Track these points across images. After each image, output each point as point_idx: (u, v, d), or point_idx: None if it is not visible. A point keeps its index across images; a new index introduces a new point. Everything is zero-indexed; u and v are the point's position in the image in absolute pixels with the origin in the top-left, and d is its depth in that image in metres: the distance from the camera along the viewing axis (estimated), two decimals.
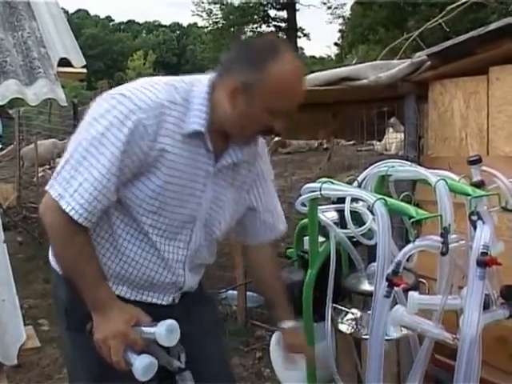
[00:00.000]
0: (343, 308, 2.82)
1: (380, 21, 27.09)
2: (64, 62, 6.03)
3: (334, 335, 2.83)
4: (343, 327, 2.79)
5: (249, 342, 5.20)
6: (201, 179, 2.08)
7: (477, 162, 2.59)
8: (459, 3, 5.43)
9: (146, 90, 1.95)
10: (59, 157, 16.88)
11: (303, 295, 2.87)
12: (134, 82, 2.03)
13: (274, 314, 2.51)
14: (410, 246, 2.23)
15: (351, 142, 11.98)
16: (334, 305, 2.83)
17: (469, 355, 2.20)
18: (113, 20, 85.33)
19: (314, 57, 56.89)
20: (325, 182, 2.60)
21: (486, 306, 2.31)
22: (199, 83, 2.04)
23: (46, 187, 1.94)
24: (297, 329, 2.52)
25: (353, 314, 2.78)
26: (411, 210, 2.31)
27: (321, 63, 42.34)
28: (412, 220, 2.27)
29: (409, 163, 2.82)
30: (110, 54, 68.51)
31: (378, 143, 11.09)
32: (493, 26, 3.37)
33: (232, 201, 2.22)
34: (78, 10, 77.98)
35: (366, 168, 2.91)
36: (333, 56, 44.07)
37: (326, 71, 4.14)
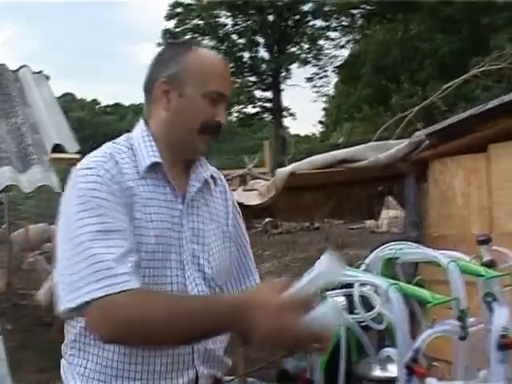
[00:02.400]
0: None
1: (364, 98, 27.57)
2: (58, 148, 6.07)
3: None
4: None
5: None
6: (175, 219, 1.95)
7: (487, 241, 2.57)
8: (455, 81, 5.53)
9: (91, 155, 1.94)
10: (50, 242, 16.84)
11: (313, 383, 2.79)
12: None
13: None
14: (429, 331, 2.17)
15: (342, 221, 12.02)
16: None
17: None
18: (99, 103, 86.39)
19: (298, 135, 57.65)
20: None
21: None
22: (134, 129, 2.04)
23: (69, 305, 1.73)
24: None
25: None
26: (426, 294, 2.27)
27: (306, 141, 42.89)
28: (430, 305, 2.22)
29: (415, 245, 2.80)
30: (97, 136, 68.87)
31: (369, 221, 11.13)
32: (491, 104, 3.41)
33: (216, 236, 2.06)
34: (65, 94, 79.00)
35: (362, 246, 2.88)
36: (317, 134, 44.71)
37: (323, 154, 4.16)
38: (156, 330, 1.72)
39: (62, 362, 1.97)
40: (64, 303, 1.75)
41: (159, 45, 36.31)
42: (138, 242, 1.84)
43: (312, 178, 4.22)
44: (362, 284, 2.52)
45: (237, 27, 35.34)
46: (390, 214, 13.87)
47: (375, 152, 3.91)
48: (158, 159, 1.93)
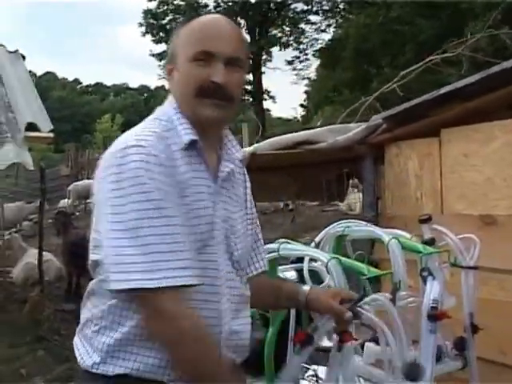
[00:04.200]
0: (304, 364, 2.87)
1: (344, 82, 27.65)
2: (31, 127, 6.17)
3: None
4: (304, 383, 2.84)
5: None
6: (211, 197, 1.91)
7: (427, 220, 2.73)
8: (412, 68, 5.67)
9: (137, 133, 1.86)
10: (26, 220, 16.91)
11: (265, 352, 2.91)
12: (123, 136, 1.88)
13: (286, 296, 2.24)
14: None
15: (316, 203, 12.14)
16: None
17: None
18: (81, 83, 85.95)
19: (280, 118, 57.74)
20: (282, 243, 2.69)
21: (439, 357, 2.42)
22: (164, 106, 1.99)
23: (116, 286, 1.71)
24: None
25: (314, 370, 2.83)
26: (363, 267, 2.41)
27: (286, 125, 42.91)
28: (364, 277, 2.36)
29: (364, 223, 2.94)
30: (77, 116, 68.51)
31: (342, 203, 11.26)
32: (443, 90, 3.55)
33: (241, 219, 2.06)
34: (46, 73, 78.48)
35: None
36: (299, 117, 44.77)
37: (285, 135, 4.28)
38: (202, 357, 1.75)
39: (82, 336, 1.96)
40: (113, 282, 1.72)
41: (140, 25, 36.19)
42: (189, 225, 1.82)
43: (276, 159, 4.34)
44: (313, 259, 2.67)
45: (218, 9, 35.24)
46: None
47: (334, 134, 4.04)
48: (195, 136, 1.89)
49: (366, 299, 2.22)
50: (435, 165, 3.70)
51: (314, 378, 2.81)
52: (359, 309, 2.14)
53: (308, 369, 2.85)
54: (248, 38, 35.65)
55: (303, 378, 2.86)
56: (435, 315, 2.33)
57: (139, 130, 1.87)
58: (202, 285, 1.79)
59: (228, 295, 1.93)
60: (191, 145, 1.88)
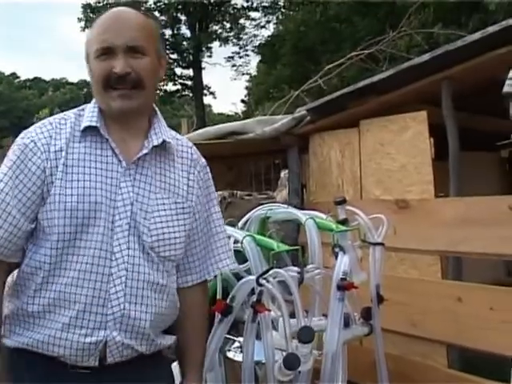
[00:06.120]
0: (231, 337, 3.07)
1: (284, 79, 27.90)
2: None
3: (223, 362, 3.06)
4: (231, 354, 3.04)
5: None
6: (112, 180, 1.96)
7: (341, 202, 3.01)
8: (336, 63, 5.95)
9: (40, 122, 2.04)
10: None
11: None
12: None
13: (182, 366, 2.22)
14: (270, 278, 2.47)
15: (253, 196, 12.37)
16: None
17: (332, 369, 2.54)
18: (18, 77, 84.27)
19: (222, 114, 57.74)
20: None
21: (347, 324, 2.68)
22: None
23: None
24: None
25: (239, 342, 3.03)
26: (274, 244, 2.63)
27: (228, 120, 42.93)
28: (272, 252, 2.57)
29: (284, 206, 3.20)
30: (15, 111, 67.29)
31: (277, 195, 11.51)
32: (360, 84, 3.82)
33: (165, 206, 2.03)
34: None
35: None
36: (240, 113, 44.86)
37: (214, 126, 4.50)
38: None
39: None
40: None
41: (79, 20, 35.82)
42: (57, 202, 1.90)
43: (208, 149, 4.53)
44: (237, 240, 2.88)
45: (159, 4, 35.12)
46: None
47: (262, 125, 4.26)
48: (93, 123, 1.97)
49: (271, 272, 2.41)
50: (355, 153, 3.97)
51: (240, 349, 3.01)
52: (263, 281, 2.35)
53: (234, 341, 3.06)
54: (188, 33, 35.71)
55: (229, 350, 3.07)
56: (344, 286, 2.59)
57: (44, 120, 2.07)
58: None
59: (124, 278, 1.94)
60: (91, 130, 1.99)
